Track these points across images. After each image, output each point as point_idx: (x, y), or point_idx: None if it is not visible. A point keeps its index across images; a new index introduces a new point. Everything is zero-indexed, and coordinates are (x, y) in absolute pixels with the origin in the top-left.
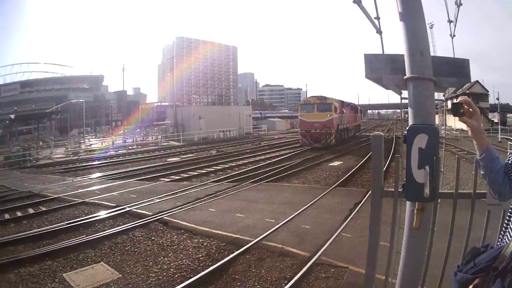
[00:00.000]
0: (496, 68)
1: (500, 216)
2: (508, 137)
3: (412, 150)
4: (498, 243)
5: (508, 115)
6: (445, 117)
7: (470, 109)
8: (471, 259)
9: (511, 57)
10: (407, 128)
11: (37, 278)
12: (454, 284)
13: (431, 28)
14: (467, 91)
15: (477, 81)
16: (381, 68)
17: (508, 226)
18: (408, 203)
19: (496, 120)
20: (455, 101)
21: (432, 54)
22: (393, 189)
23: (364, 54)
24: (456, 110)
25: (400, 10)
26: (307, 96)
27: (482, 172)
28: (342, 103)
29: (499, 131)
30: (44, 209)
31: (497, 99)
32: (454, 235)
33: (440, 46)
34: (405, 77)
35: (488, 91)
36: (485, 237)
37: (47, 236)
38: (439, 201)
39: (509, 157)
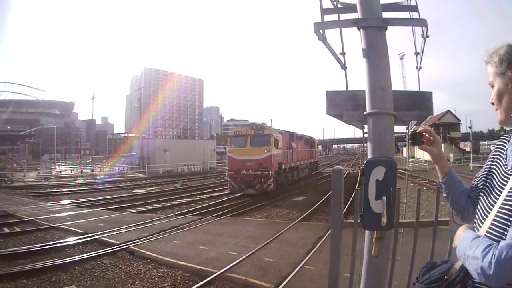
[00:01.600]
0: (470, 96)
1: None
2: (480, 165)
3: (370, 182)
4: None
5: (481, 142)
6: (408, 150)
7: (431, 138)
8: (427, 272)
9: (485, 84)
10: (365, 161)
11: None
12: None
13: (401, 59)
14: (438, 121)
15: (449, 110)
16: (342, 104)
17: None
18: (367, 232)
19: (468, 149)
20: (414, 131)
21: (402, 85)
22: (353, 221)
23: (326, 91)
24: (416, 140)
25: (363, 46)
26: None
27: (445, 195)
28: (291, 135)
29: (471, 160)
30: (18, 230)
31: (470, 127)
32: (419, 263)
33: (413, 76)
34: (365, 112)
35: (460, 120)
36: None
37: (22, 256)
38: (401, 230)
39: (474, 180)
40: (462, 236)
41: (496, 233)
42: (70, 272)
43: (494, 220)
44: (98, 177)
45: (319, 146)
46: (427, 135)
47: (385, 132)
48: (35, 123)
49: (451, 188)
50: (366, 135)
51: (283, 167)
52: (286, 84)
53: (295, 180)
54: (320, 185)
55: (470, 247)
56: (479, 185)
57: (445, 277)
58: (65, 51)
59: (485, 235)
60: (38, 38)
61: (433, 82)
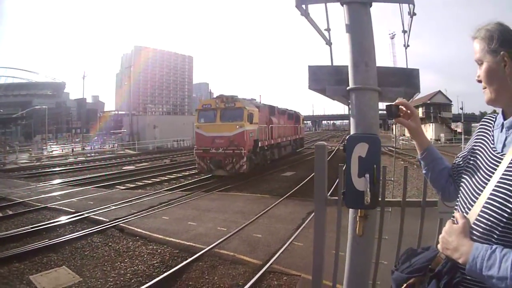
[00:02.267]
0: (461, 78)
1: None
2: None
3: (352, 158)
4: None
5: (473, 124)
6: (395, 129)
7: (408, 111)
8: (407, 259)
9: (476, 66)
10: (347, 137)
11: (7, 279)
12: (392, 282)
13: (392, 38)
14: (428, 101)
15: (439, 91)
16: (325, 79)
17: None
18: (350, 210)
19: (459, 130)
20: (389, 104)
21: (392, 64)
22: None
23: (308, 66)
24: (391, 112)
25: (347, 22)
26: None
27: (424, 172)
28: (271, 109)
29: (463, 141)
30: (11, 212)
31: (461, 108)
32: (408, 243)
33: (403, 55)
34: (348, 87)
35: (451, 101)
36: (437, 245)
37: (14, 239)
38: (389, 209)
39: (455, 160)
40: (472, 254)
41: (489, 223)
42: (61, 253)
43: (485, 208)
44: (88, 155)
45: (307, 122)
46: (403, 108)
47: (368, 108)
48: (27, 105)
49: (430, 164)
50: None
51: (259, 145)
52: (276, 60)
53: (275, 158)
54: (310, 160)
55: (489, 266)
56: (460, 164)
57: (429, 266)
58: (55, 32)
59: (475, 222)
60: (27, 20)
61: (424, 63)
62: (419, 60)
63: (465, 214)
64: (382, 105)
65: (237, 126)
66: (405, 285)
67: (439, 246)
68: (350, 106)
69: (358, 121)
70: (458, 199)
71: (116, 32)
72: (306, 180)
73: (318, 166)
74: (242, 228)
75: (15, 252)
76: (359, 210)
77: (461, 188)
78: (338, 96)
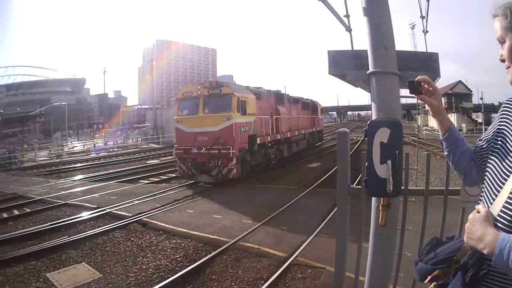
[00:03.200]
0: (482, 68)
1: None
2: None
3: (374, 144)
4: (461, 236)
5: (492, 115)
6: (419, 118)
7: (430, 88)
8: (431, 250)
9: (496, 55)
10: (368, 122)
11: (23, 277)
12: (415, 274)
13: (412, 28)
14: (450, 91)
15: (460, 81)
16: (345, 64)
17: None
18: (373, 199)
19: (480, 120)
20: (411, 80)
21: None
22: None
23: (328, 51)
24: (414, 88)
25: (364, 5)
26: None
27: (446, 153)
28: (278, 97)
29: (483, 131)
30: (28, 210)
31: (481, 98)
32: (430, 234)
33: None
34: (368, 71)
35: (471, 91)
36: (460, 236)
37: (32, 237)
38: (413, 199)
39: (477, 142)
40: (499, 244)
41: None
42: (80, 249)
43: None
44: (111, 150)
45: (332, 112)
46: (425, 85)
47: (388, 92)
48: (46, 103)
49: (452, 145)
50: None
51: (258, 142)
52: (301, 52)
53: (284, 156)
54: (335, 152)
55: None
56: (484, 147)
57: (455, 257)
58: (74, 28)
59: (502, 210)
60: (44, 17)
61: (444, 52)
62: (439, 50)
63: (491, 201)
64: (405, 93)
65: (224, 119)
66: (429, 277)
67: (464, 237)
68: (371, 90)
69: (379, 106)
70: (484, 185)
71: (138, 26)
72: (332, 171)
73: (340, 154)
74: (267, 220)
75: (32, 250)
76: (381, 198)
77: (487, 173)
78: (359, 81)
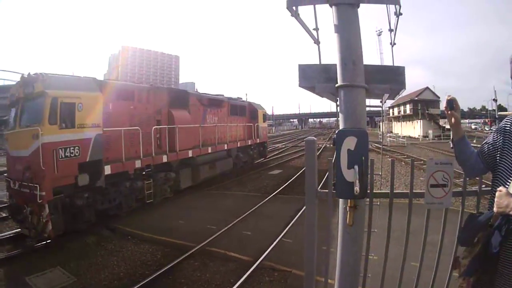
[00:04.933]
0: (451, 74)
1: (442, 216)
2: None
3: (341, 151)
4: (489, 209)
5: (462, 121)
6: (382, 124)
7: (455, 105)
8: (469, 221)
9: (469, 62)
10: (336, 132)
11: (3, 281)
12: (462, 242)
13: (379, 35)
14: (416, 98)
15: (427, 87)
16: (314, 77)
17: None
18: (341, 201)
19: (448, 126)
20: (448, 98)
21: (379, 61)
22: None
23: (298, 64)
24: (452, 105)
25: (335, 22)
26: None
27: (457, 155)
28: (178, 95)
29: (451, 137)
30: (4, 215)
31: None
32: (394, 237)
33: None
34: (336, 85)
35: (439, 97)
36: (425, 238)
37: (10, 241)
38: (378, 202)
39: (484, 146)
40: None
41: None
42: (54, 254)
43: None
44: None
45: (293, 120)
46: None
47: (356, 103)
48: None
49: (464, 148)
50: (339, 108)
51: (108, 171)
52: (263, 60)
53: (182, 189)
54: (298, 157)
55: None
56: (491, 148)
57: (490, 222)
58: (43, 31)
59: None
60: (13, 20)
61: (412, 59)
62: (407, 57)
63: (508, 183)
64: (368, 102)
65: (32, 136)
66: (476, 239)
67: (494, 209)
68: (338, 103)
69: (347, 117)
70: (499, 173)
71: (103, 32)
72: (294, 177)
73: (308, 160)
74: (232, 226)
75: (11, 254)
76: (349, 200)
77: (502, 164)
78: (326, 93)
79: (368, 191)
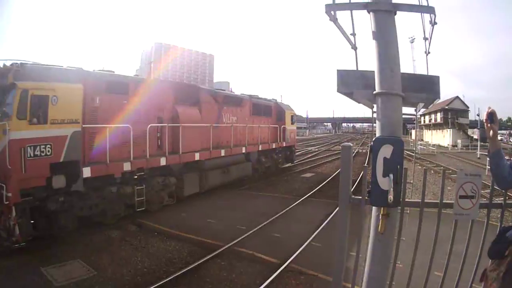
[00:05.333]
0: (480, 84)
1: (468, 226)
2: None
3: (378, 159)
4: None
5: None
6: (416, 132)
7: (495, 118)
8: (502, 234)
9: (497, 73)
10: (373, 139)
11: (16, 272)
12: (492, 254)
13: (412, 42)
14: (446, 107)
15: (457, 96)
16: (352, 83)
17: None
18: (374, 209)
19: (475, 137)
20: (489, 111)
21: (412, 68)
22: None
23: (337, 70)
24: (492, 118)
25: (373, 29)
26: None
27: (492, 167)
28: (185, 89)
29: (478, 148)
30: None
31: (478, 115)
32: (422, 245)
33: (423, 60)
34: (374, 92)
35: (468, 107)
36: (451, 248)
37: None
38: (408, 211)
39: None
40: None
41: None
42: (74, 246)
43: None
44: None
45: (327, 124)
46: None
47: (393, 112)
48: None
49: (499, 161)
50: (375, 115)
51: (87, 174)
52: (297, 62)
53: (185, 196)
54: (331, 162)
55: None
56: None
57: None
58: (74, 28)
59: None
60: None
61: (443, 67)
62: (437, 65)
63: None
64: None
65: (3, 132)
66: (507, 252)
67: None
68: (376, 110)
69: (384, 124)
70: None
71: (135, 28)
72: (325, 182)
73: (344, 165)
74: (262, 227)
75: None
76: (382, 208)
77: None
78: (363, 99)
79: (400, 200)
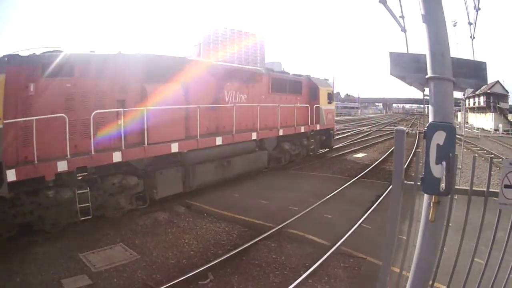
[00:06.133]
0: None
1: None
2: None
3: (431, 146)
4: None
5: None
6: (464, 116)
7: None
8: None
9: None
10: (427, 125)
11: (51, 257)
12: None
13: (454, 26)
14: (488, 91)
15: (498, 81)
16: (405, 66)
17: None
18: (425, 196)
19: None
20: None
21: (456, 52)
22: (412, 182)
23: (389, 53)
24: None
25: (422, 12)
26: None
27: None
28: (149, 61)
29: None
30: None
31: None
32: (466, 232)
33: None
34: (426, 76)
35: (508, 92)
36: (494, 237)
37: None
38: (455, 197)
39: None
40: None
41: None
42: (119, 230)
43: None
44: None
45: (378, 104)
46: None
47: (444, 97)
48: None
49: None
50: (426, 98)
51: (7, 178)
52: (347, 44)
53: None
54: (382, 142)
55: None
56: None
57: None
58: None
59: None
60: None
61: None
62: (480, 50)
63: None
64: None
65: None
66: None
67: None
68: (428, 94)
69: (436, 109)
70: None
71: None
72: (377, 162)
73: (397, 150)
74: (313, 208)
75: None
76: (433, 196)
77: None
78: (415, 83)
79: (451, 188)
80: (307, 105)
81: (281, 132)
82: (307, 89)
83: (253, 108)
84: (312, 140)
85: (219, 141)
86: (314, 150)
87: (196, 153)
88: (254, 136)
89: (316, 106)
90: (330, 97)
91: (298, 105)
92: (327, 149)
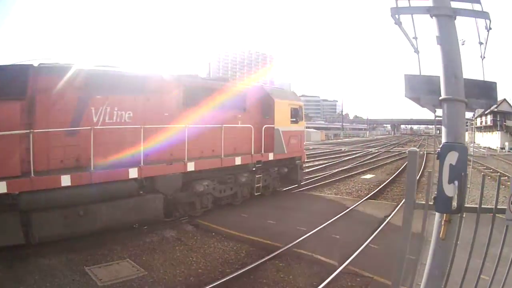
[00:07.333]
0: None
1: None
2: None
3: (444, 165)
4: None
5: None
6: (474, 135)
7: None
8: None
9: None
10: (440, 145)
11: (56, 270)
12: None
13: (462, 44)
14: (495, 109)
15: (505, 99)
16: (419, 88)
17: None
18: (437, 215)
19: None
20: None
21: (464, 72)
22: (423, 202)
23: (405, 75)
24: None
25: (437, 34)
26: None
27: None
28: None
29: None
30: None
31: None
32: (468, 246)
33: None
34: (440, 98)
35: None
36: (501, 253)
37: None
38: (464, 215)
39: None
40: None
41: None
42: (126, 246)
43: None
44: None
45: (386, 125)
46: None
47: (457, 118)
48: None
49: None
50: (438, 118)
51: None
52: (357, 65)
53: None
54: (390, 163)
55: None
56: None
57: None
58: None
59: None
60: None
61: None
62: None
63: None
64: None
65: None
66: None
67: None
68: (441, 115)
69: (449, 130)
70: None
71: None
72: (385, 183)
73: (410, 170)
74: (321, 228)
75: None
76: (444, 214)
77: None
78: (429, 105)
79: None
80: (251, 125)
81: (191, 167)
82: (257, 103)
83: (131, 131)
84: (259, 176)
85: (66, 181)
86: (264, 188)
87: (32, 196)
88: (133, 173)
89: (267, 127)
90: (297, 114)
91: (239, 125)
92: (295, 185)
